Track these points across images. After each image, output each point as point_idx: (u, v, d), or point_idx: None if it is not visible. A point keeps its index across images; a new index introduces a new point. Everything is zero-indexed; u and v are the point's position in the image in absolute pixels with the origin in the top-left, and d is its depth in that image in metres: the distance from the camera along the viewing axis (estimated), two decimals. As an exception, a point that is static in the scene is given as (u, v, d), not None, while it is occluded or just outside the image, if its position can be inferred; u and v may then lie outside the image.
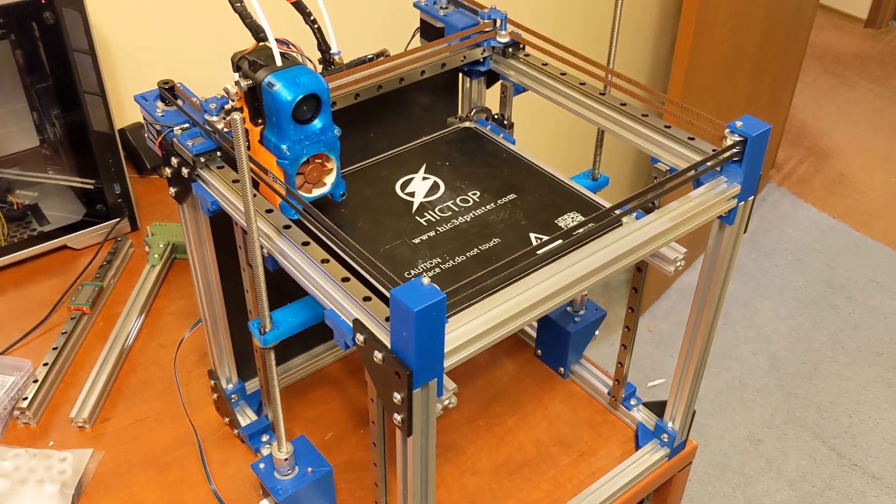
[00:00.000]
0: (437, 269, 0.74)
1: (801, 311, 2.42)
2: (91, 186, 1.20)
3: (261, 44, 0.72)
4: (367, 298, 0.62)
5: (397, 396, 0.58)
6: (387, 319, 0.59)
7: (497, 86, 0.97)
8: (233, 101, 0.74)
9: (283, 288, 0.74)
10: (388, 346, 0.58)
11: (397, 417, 0.59)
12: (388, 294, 0.56)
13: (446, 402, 0.61)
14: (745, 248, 2.59)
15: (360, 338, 0.60)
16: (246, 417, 0.94)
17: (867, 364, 2.27)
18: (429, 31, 0.96)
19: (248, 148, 0.74)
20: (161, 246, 1.18)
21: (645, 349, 2.29)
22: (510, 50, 0.92)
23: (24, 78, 1.16)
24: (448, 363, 0.58)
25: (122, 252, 1.20)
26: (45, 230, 1.20)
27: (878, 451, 2.04)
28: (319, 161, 0.74)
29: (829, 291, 2.49)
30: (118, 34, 1.32)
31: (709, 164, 0.74)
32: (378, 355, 0.58)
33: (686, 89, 2.01)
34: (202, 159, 0.76)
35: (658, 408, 0.96)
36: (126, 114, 1.34)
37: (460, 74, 0.97)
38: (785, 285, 2.50)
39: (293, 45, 0.74)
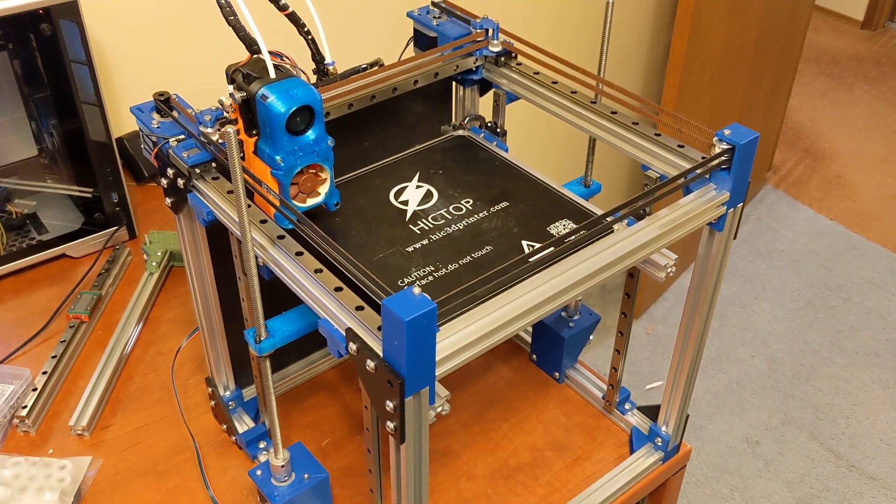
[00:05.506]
0: (430, 278, 0.75)
1: (798, 313, 2.43)
2: (89, 195, 1.21)
3: (254, 56, 0.73)
4: (359, 308, 0.63)
5: (390, 404, 0.59)
6: (379, 328, 0.59)
7: (490, 94, 0.97)
8: (227, 112, 0.75)
9: (280, 296, 0.75)
10: (381, 354, 0.58)
11: (390, 425, 0.60)
12: (380, 303, 0.56)
13: (439, 410, 0.62)
14: (741, 250, 2.59)
15: (352, 347, 0.61)
16: (243, 424, 0.95)
17: (864, 365, 2.27)
18: (422, 41, 0.97)
19: (243, 159, 0.75)
20: (159, 254, 1.19)
21: (642, 352, 2.30)
22: (502, 59, 0.93)
23: (22, 88, 1.18)
24: (440, 371, 0.59)
25: (120, 260, 1.20)
26: (44, 239, 1.21)
27: (875, 452, 2.05)
28: (313, 171, 0.75)
29: (826, 293, 2.50)
30: (115, 45, 1.33)
31: (698, 171, 0.75)
32: (370, 364, 0.59)
33: (681, 93, 2.01)
34: (197, 170, 0.77)
35: (652, 412, 0.97)
36: (123, 123, 1.35)
37: (454, 83, 0.98)
38: (782, 287, 2.51)
39: (286, 58, 0.75)
